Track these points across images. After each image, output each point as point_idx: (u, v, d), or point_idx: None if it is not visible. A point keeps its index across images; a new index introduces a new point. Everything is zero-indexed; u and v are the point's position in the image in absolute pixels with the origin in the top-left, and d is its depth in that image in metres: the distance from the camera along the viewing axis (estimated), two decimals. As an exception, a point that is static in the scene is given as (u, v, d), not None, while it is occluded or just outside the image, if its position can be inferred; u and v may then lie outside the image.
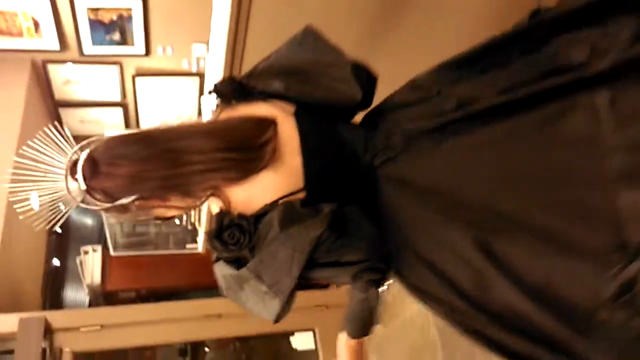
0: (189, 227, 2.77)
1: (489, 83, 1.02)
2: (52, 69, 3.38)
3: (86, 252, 3.46)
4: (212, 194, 1.05)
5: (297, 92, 1.15)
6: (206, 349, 4.12)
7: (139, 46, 3.31)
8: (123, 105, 3.69)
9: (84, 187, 1.00)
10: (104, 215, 2.81)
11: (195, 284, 3.55)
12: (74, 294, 3.74)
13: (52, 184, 1.03)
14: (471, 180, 1.01)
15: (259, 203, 1.02)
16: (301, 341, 3.40)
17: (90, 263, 3.43)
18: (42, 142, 1.04)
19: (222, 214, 1.03)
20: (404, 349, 2.86)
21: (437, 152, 1.05)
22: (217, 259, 1.05)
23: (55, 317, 2.90)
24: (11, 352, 2.66)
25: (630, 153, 0.85)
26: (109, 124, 3.69)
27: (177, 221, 2.96)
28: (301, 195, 1.05)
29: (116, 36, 3.23)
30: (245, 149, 1.03)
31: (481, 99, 1.00)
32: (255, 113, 1.10)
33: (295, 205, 1.01)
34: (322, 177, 1.09)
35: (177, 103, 3.66)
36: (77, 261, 3.49)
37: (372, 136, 1.14)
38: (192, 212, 2.72)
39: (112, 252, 3.35)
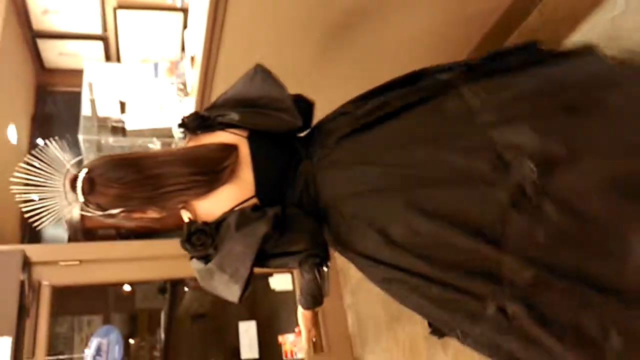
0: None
1: (389, 99, 1.39)
2: (30, -4, 3.25)
3: (65, 188, 3.42)
4: (183, 207, 1.35)
5: (250, 121, 1.42)
6: (185, 288, 4.19)
7: (120, -24, 3.19)
8: (104, 38, 3.59)
9: (82, 200, 1.25)
10: (83, 150, 2.78)
11: (177, 223, 3.55)
12: (53, 230, 3.73)
13: (52, 190, 1.28)
14: (388, 153, 1.32)
15: (219, 211, 1.32)
16: (279, 282, 3.47)
17: (70, 199, 3.40)
18: (45, 154, 1.30)
19: (191, 223, 1.32)
20: (376, 292, 2.92)
21: (360, 141, 1.37)
22: (192, 257, 1.34)
23: (34, 251, 2.91)
24: (-11, 283, 2.67)
25: (495, 112, 1.24)
26: (89, 58, 3.60)
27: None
28: (254, 201, 1.34)
29: (97, -36, 3.11)
30: (211, 172, 1.31)
31: (386, 106, 1.37)
32: (218, 141, 1.38)
33: (247, 211, 1.31)
34: (269, 186, 1.37)
35: (159, 38, 3.57)
36: (56, 196, 3.45)
37: (312, 143, 1.45)
38: (174, 151, 2.70)
39: (91, 188, 3.32)
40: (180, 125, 1.44)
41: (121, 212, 1.28)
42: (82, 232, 3.48)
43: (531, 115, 1.21)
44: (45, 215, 1.29)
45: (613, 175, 1.10)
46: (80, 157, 1.34)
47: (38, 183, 1.28)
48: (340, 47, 2.04)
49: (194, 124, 1.42)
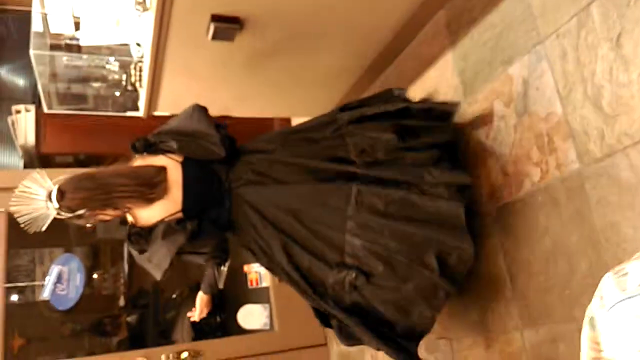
0: (129, 87, 2.61)
1: (303, 154, 1.96)
2: None
3: (18, 112, 3.25)
4: (128, 212, 1.85)
5: (185, 150, 1.92)
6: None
7: None
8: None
9: (57, 206, 1.71)
10: (36, 73, 2.62)
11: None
12: (7, 157, 3.59)
13: (36, 204, 1.73)
14: (281, 209, 1.89)
15: (153, 219, 1.83)
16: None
17: (23, 123, 3.25)
18: (30, 180, 1.77)
19: (131, 226, 1.86)
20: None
21: (268, 188, 1.91)
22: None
23: (-13, 176, 2.79)
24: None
25: (357, 225, 1.83)
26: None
27: (116, 93, 2.82)
28: (179, 215, 1.84)
29: None
30: (148, 186, 1.81)
31: (296, 168, 1.94)
32: (155, 163, 1.88)
33: (172, 223, 1.82)
34: (194, 204, 1.86)
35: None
36: (9, 121, 3.30)
37: (232, 170, 1.94)
38: (133, 72, 2.56)
39: (45, 109, 3.15)
40: (131, 147, 1.92)
41: (86, 212, 1.74)
42: (38, 158, 3.36)
43: (373, 237, 1.82)
44: (33, 222, 1.73)
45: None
46: (58, 178, 1.79)
47: (27, 202, 1.74)
48: None
49: (142, 147, 1.91)
